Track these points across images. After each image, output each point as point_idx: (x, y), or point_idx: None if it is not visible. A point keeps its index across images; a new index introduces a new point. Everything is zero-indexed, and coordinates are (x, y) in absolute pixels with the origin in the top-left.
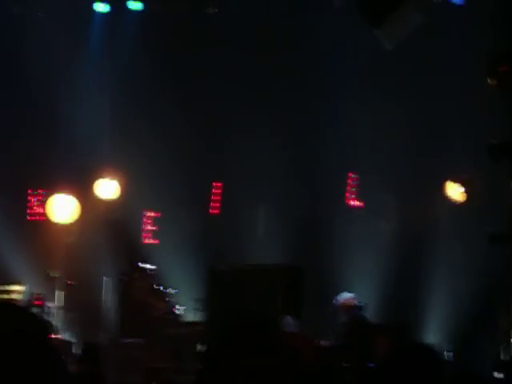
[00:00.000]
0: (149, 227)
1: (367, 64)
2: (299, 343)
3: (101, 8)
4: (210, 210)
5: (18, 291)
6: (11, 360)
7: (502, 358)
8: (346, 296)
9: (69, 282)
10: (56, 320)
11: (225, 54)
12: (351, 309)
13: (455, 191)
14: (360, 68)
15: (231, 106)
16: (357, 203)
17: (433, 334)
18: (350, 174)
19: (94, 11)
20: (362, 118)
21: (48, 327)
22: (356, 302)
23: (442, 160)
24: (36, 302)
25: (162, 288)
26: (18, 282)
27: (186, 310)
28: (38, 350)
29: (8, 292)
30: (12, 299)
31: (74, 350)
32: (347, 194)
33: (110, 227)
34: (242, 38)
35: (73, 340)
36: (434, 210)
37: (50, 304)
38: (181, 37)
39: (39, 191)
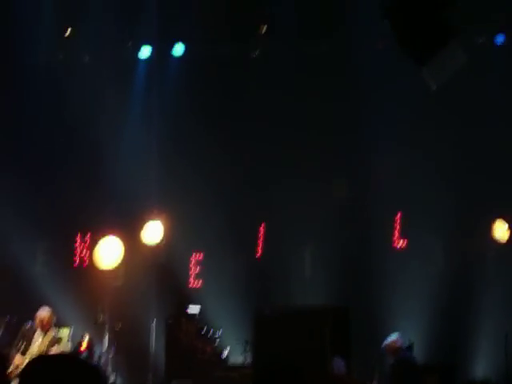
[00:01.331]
0: (195, 270)
1: (414, 102)
2: None
3: (145, 53)
4: (256, 252)
5: (66, 337)
6: None
7: None
8: (391, 337)
9: (116, 327)
10: (105, 365)
11: (268, 95)
12: (398, 350)
13: (503, 230)
14: (406, 106)
15: (277, 147)
16: (403, 244)
17: (481, 373)
18: (396, 215)
19: (137, 56)
20: (407, 156)
21: (107, 379)
22: (402, 342)
23: (489, 199)
24: (85, 347)
25: (208, 331)
26: (67, 327)
27: (232, 353)
28: None
29: (57, 340)
30: (59, 344)
31: None
32: (394, 235)
33: (156, 271)
34: (284, 79)
35: (121, 383)
36: (482, 250)
37: (98, 349)
38: (223, 79)
39: (86, 237)
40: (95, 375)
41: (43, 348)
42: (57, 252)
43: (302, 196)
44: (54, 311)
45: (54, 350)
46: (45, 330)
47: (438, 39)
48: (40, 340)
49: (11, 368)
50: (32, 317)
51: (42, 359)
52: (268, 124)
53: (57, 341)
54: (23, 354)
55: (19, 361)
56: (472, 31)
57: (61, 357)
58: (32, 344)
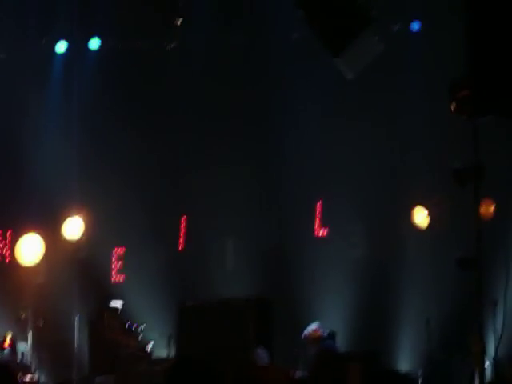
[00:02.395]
0: (116, 265)
1: (331, 90)
2: (273, 375)
3: (61, 48)
4: (178, 245)
5: None
6: None
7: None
8: (311, 327)
9: (39, 323)
10: (28, 361)
11: (185, 87)
12: (319, 339)
13: (422, 216)
14: (323, 95)
15: (193, 139)
16: (324, 232)
17: (404, 361)
18: (316, 202)
19: (54, 52)
20: (326, 144)
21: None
22: (322, 331)
23: (407, 185)
24: (7, 345)
25: (131, 325)
26: None
27: (156, 347)
28: None
29: None
30: None
31: None
32: (314, 223)
33: (78, 266)
34: (202, 71)
35: (45, 380)
36: (402, 236)
37: (21, 345)
38: (140, 73)
39: (7, 234)
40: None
41: None
42: None
43: (222, 186)
44: None
45: None
46: None
47: (352, 28)
48: None
49: None
50: None
51: None
52: (184, 115)
53: None
54: None
55: None
56: (387, 19)
57: None
58: None
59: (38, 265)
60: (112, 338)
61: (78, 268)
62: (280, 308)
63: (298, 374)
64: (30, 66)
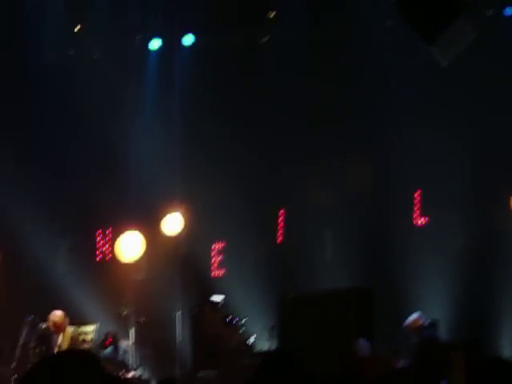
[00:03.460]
0: (216, 259)
1: (429, 80)
2: (375, 366)
3: (155, 45)
4: (277, 238)
5: (90, 331)
6: None
7: None
8: (413, 316)
9: (140, 320)
10: (129, 358)
11: (280, 80)
12: (420, 328)
13: None
14: (421, 84)
15: (292, 132)
16: (424, 221)
17: (507, 348)
18: (415, 192)
19: (148, 48)
20: (425, 134)
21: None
22: (424, 321)
23: (507, 174)
24: (109, 341)
25: (233, 319)
26: (91, 322)
27: (258, 339)
28: None
29: (81, 333)
30: (85, 341)
31: None
32: (413, 213)
33: (178, 262)
34: (295, 64)
35: (147, 377)
36: (502, 224)
37: (122, 342)
38: (233, 66)
39: (107, 231)
40: (95, 367)
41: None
42: (79, 248)
43: (320, 179)
44: (67, 312)
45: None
46: (59, 332)
47: (446, 15)
48: (59, 342)
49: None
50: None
51: (44, 360)
52: (282, 109)
53: (77, 339)
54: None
55: None
56: (480, 4)
57: (61, 355)
58: (51, 347)
59: (138, 261)
60: (213, 333)
61: (178, 264)
62: (381, 298)
63: (401, 363)
64: (125, 65)
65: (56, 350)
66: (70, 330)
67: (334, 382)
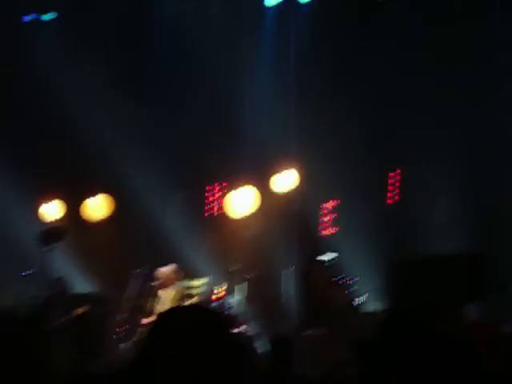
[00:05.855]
0: (327, 218)
1: None
2: (484, 331)
3: (272, 1)
4: (388, 199)
5: (200, 286)
6: (200, 358)
7: None
8: None
9: (249, 276)
10: (238, 313)
11: (389, 40)
12: None
13: None
14: None
15: (408, 94)
16: None
17: None
18: None
19: (264, 5)
20: None
21: (229, 324)
22: None
23: None
24: (218, 297)
25: (342, 278)
26: (200, 277)
27: (368, 300)
28: (224, 347)
29: (191, 287)
30: (195, 295)
31: (256, 344)
32: None
33: (289, 219)
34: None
35: (255, 333)
36: None
37: (231, 298)
38: (353, 27)
39: (217, 186)
40: (218, 322)
41: (173, 305)
42: (188, 203)
43: (435, 141)
44: (179, 267)
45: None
46: (167, 287)
47: None
48: (168, 297)
49: (140, 329)
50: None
51: (169, 312)
52: (393, 70)
53: (186, 295)
54: (151, 314)
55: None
56: None
57: (186, 307)
58: (160, 303)
59: (251, 217)
60: (320, 292)
61: (289, 221)
62: (492, 263)
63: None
64: (242, 20)
65: (162, 304)
66: (177, 284)
67: (445, 347)
